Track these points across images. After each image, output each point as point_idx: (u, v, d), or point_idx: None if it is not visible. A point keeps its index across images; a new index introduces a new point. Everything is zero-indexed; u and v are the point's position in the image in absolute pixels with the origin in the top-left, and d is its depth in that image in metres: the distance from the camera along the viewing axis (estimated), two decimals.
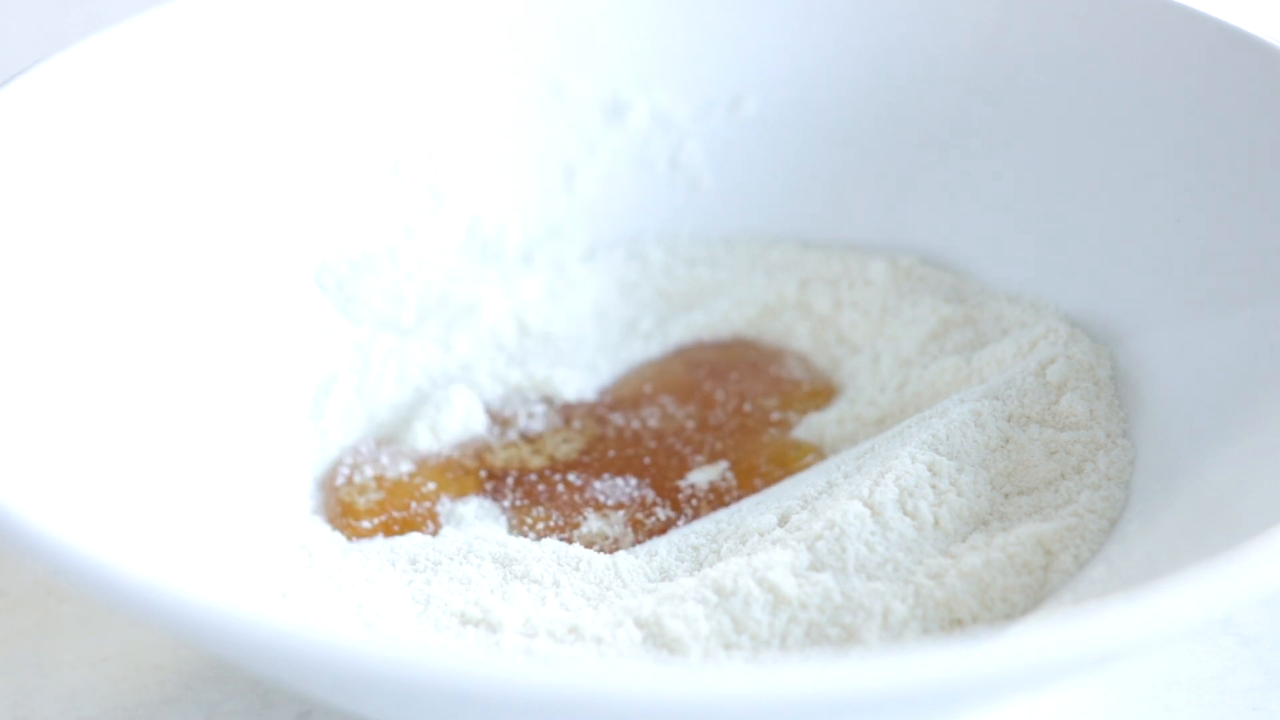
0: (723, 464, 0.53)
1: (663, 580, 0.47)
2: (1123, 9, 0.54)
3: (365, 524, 0.51)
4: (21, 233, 0.47)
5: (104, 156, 0.51)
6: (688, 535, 0.49)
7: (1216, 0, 0.53)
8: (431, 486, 0.53)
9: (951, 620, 0.44)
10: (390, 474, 0.53)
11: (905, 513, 0.46)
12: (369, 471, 0.53)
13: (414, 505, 0.52)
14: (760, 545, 0.46)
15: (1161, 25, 0.53)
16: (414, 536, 0.50)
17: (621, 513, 0.52)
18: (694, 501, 0.52)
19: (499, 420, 0.55)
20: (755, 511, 0.50)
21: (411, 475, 0.53)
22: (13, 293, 0.46)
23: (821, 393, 0.56)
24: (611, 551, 0.50)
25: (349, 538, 0.50)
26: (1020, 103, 0.56)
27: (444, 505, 0.52)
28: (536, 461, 0.54)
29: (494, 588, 0.46)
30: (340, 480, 0.53)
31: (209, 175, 0.54)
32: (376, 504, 0.52)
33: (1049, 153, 0.56)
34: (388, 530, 0.51)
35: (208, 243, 0.54)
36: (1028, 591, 0.44)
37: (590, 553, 0.48)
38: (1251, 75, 0.50)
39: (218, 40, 0.56)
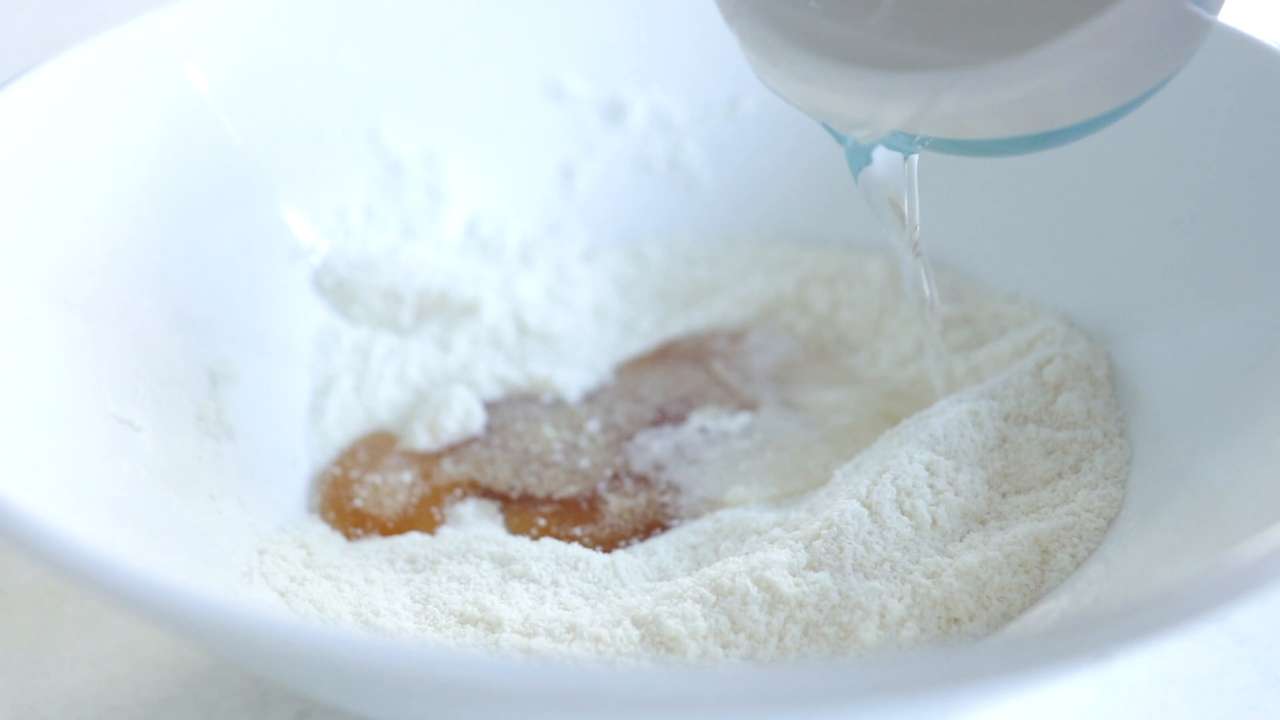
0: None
1: (661, 579, 0.47)
2: None
3: (364, 524, 0.51)
4: (22, 232, 0.47)
5: (104, 157, 0.51)
6: (686, 535, 0.50)
7: None
8: (430, 486, 0.53)
9: (949, 619, 0.44)
10: (388, 474, 0.53)
11: (903, 512, 0.46)
12: (367, 471, 0.53)
13: (412, 505, 0.52)
14: (758, 544, 0.47)
15: None
16: (413, 536, 0.50)
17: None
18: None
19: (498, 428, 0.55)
20: (753, 510, 0.50)
21: (410, 475, 0.53)
22: (13, 292, 0.46)
23: None
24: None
25: (348, 537, 0.50)
26: None
27: (442, 505, 0.52)
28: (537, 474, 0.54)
29: (492, 587, 0.47)
30: (338, 480, 0.53)
31: (208, 175, 0.54)
32: (374, 504, 0.52)
33: (1047, 153, 0.56)
34: (386, 530, 0.51)
35: (207, 243, 0.54)
36: (1024, 590, 0.45)
37: (589, 552, 0.48)
38: (1249, 76, 0.50)
39: (218, 41, 0.56)
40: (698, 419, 0.54)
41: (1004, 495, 0.48)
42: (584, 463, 0.53)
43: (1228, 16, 0.51)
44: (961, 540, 0.46)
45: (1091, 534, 0.46)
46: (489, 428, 0.55)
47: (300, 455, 0.53)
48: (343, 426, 0.55)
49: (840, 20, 0.45)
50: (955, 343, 0.55)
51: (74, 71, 0.51)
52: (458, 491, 0.52)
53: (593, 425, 0.54)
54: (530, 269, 0.60)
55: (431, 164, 0.60)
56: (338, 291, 0.57)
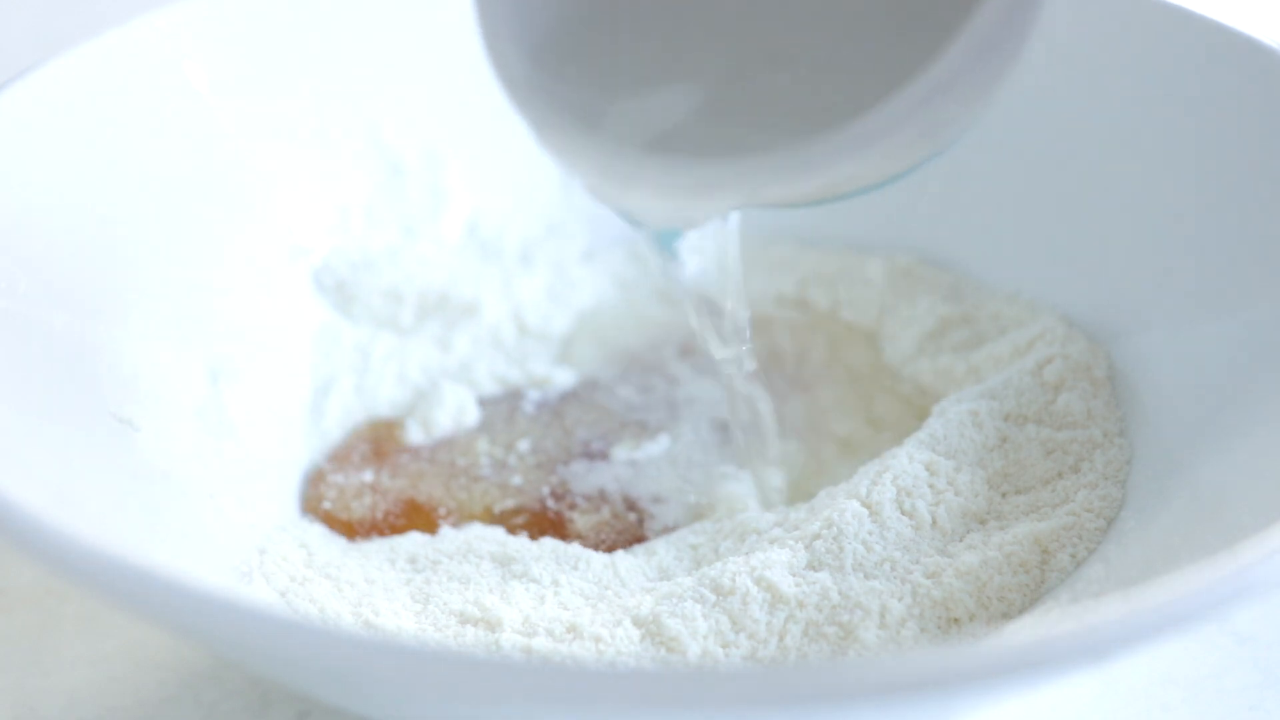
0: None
1: (661, 579, 0.47)
2: (1121, 10, 0.54)
3: (359, 523, 0.51)
4: (22, 232, 0.48)
5: (104, 157, 0.51)
6: (686, 535, 0.50)
7: (1215, 1, 0.53)
8: (427, 485, 0.53)
9: (949, 619, 0.44)
10: (382, 472, 0.53)
11: (903, 512, 0.46)
12: (359, 470, 0.53)
13: (408, 504, 0.52)
14: (758, 544, 0.47)
15: (1159, 27, 0.53)
16: (413, 536, 0.50)
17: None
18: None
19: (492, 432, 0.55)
20: (753, 510, 0.50)
21: (405, 473, 0.53)
22: (13, 291, 0.46)
23: None
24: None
25: (349, 538, 0.50)
26: (1018, 102, 0.56)
27: (440, 504, 0.52)
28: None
29: (493, 587, 0.47)
30: (316, 477, 0.53)
31: (209, 176, 0.54)
32: (368, 503, 0.52)
33: (1047, 153, 0.56)
34: (381, 530, 0.51)
35: (207, 243, 0.54)
36: (1024, 590, 0.45)
37: (589, 551, 0.48)
38: (1249, 77, 0.50)
39: (218, 41, 0.56)
40: (621, 452, 0.54)
41: (1004, 495, 0.48)
42: (516, 480, 0.53)
43: (1227, 17, 0.51)
44: (961, 540, 0.46)
45: (1091, 534, 0.46)
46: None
47: (301, 455, 0.53)
48: (343, 426, 0.55)
49: (648, 105, 0.41)
50: (955, 343, 0.55)
51: (74, 71, 0.51)
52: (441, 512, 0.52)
53: (524, 445, 0.54)
54: (530, 269, 0.60)
55: (431, 164, 0.60)
56: (338, 291, 0.57)
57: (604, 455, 0.53)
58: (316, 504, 0.52)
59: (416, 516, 0.51)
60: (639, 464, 0.53)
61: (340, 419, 0.55)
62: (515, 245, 0.61)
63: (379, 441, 0.54)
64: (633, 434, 0.54)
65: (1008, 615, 0.44)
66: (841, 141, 0.37)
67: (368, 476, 0.53)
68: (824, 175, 0.38)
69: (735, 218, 0.44)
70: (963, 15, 0.37)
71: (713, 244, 0.44)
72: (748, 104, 0.41)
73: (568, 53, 0.41)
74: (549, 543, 0.49)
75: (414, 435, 0.54)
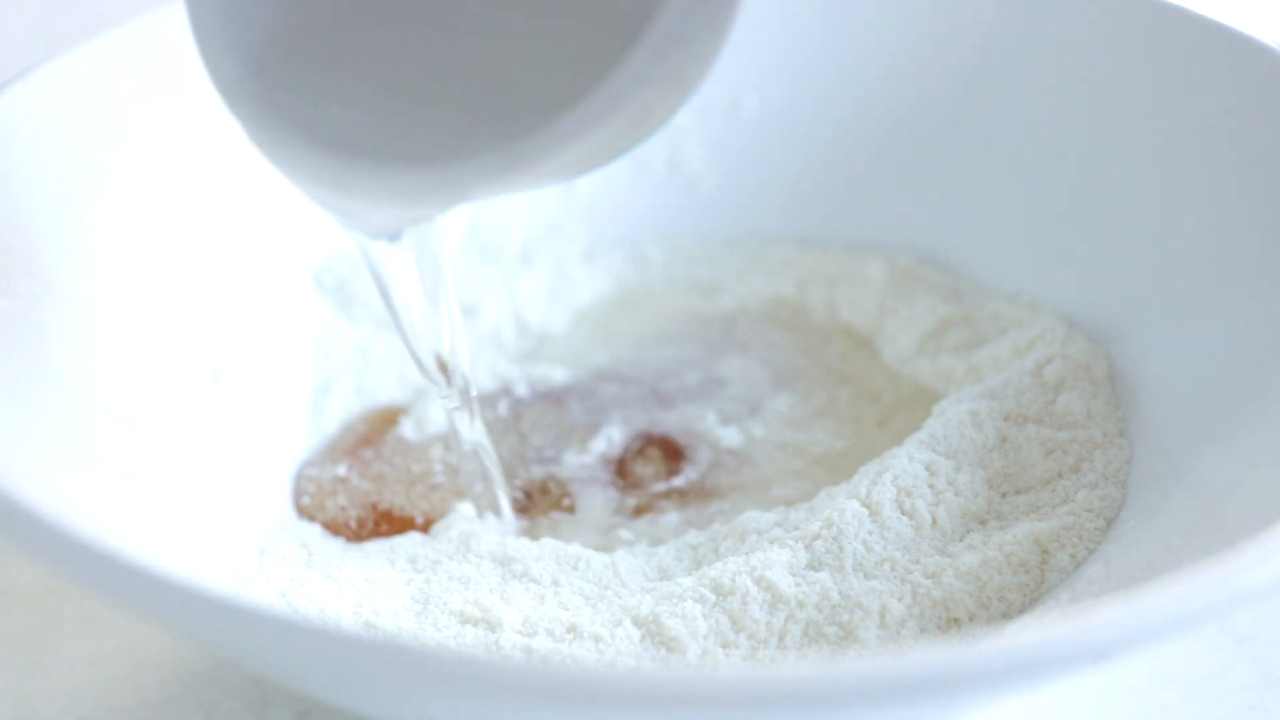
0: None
1: (661, 579, 0.47)
2: (1122, 10, 0.54)
3: (332, 524, 0.51)
4: (22, 231, 0.48)
5: (103, 156, 0.51)
6: (686, 535, 0.50)
7: (1216, 2, 0.53)
8: (389, 492, 0.52)
9: (948, 619, 0.44)
10: (354, 470, 0.53)
11: (903, 512, 0.46)
12: (335, 464, 0.53)
13: (401, 502, 0.52)
14: (758, 544, 0.47)
15: (1160, 27, 0.53)
16: (413, 535, 0.50)
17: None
18: None
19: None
20: (752, 511, 0.50)
21: (369, 475, 0.53)
22: (13, 291, 0.46)
23: None
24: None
25: (349, 539, 0.50)
26: (1019, 103, 0.56)
27: (432, 500, 0.52)
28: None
29: (493, 587, 0.47)
30: (307, 470, 0.52)
31: (209, 175, 0.54)
32: (318, 506, 0.51)
33: (1047, 153, 0.56)
34: (359, 535, 0.51)
35: (208, 243, 0.54)
36: (1024, 590, 0.45)
37: (589, 551, 0.48)
38: (1249, 77, 0.50)
39: None
40: (570, 457, 0.54)
41: (1004, 495, 0.48)
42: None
43: (1227, 18, 0.51)
44: (961, 540, 0.46)
45: (1091, 534, 0.46)
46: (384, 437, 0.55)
47: (300, 455, 0.53)
48: (343, 426, 0.55)
49: (362, 112, 0.41)
50: (955, 343, 0.55)
51: (74, 71, 0.51)
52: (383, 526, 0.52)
53: None
54: (530, 269, 0.60)
55: None
56: (338, 291, 0.57)
57: (556, 460, 0.53)
58: (298, 497, 0.52)
59: (390, 525, 0.51)
60: (589, 466, 0.53)
61: (340, 419, 0.55)
62: (515, 245, 0.61)
63: (371, 430, 0.54)
64: (580, 437, 0.54)
65: (1008, 615, 0.44)
66: (548, 139, 0.38)
67: (341, 471, 0.52)
68: (533, 172, 0.39)
69: (444, 225, 0.45)
70: (650, 10, 0.38)
71: (423, 251, 0.45)
72: (459, 108, 0.42)
73: (281, 59, 0.42)
74: (549, 543, 0.49)
75: (407, 431, 0.54)
